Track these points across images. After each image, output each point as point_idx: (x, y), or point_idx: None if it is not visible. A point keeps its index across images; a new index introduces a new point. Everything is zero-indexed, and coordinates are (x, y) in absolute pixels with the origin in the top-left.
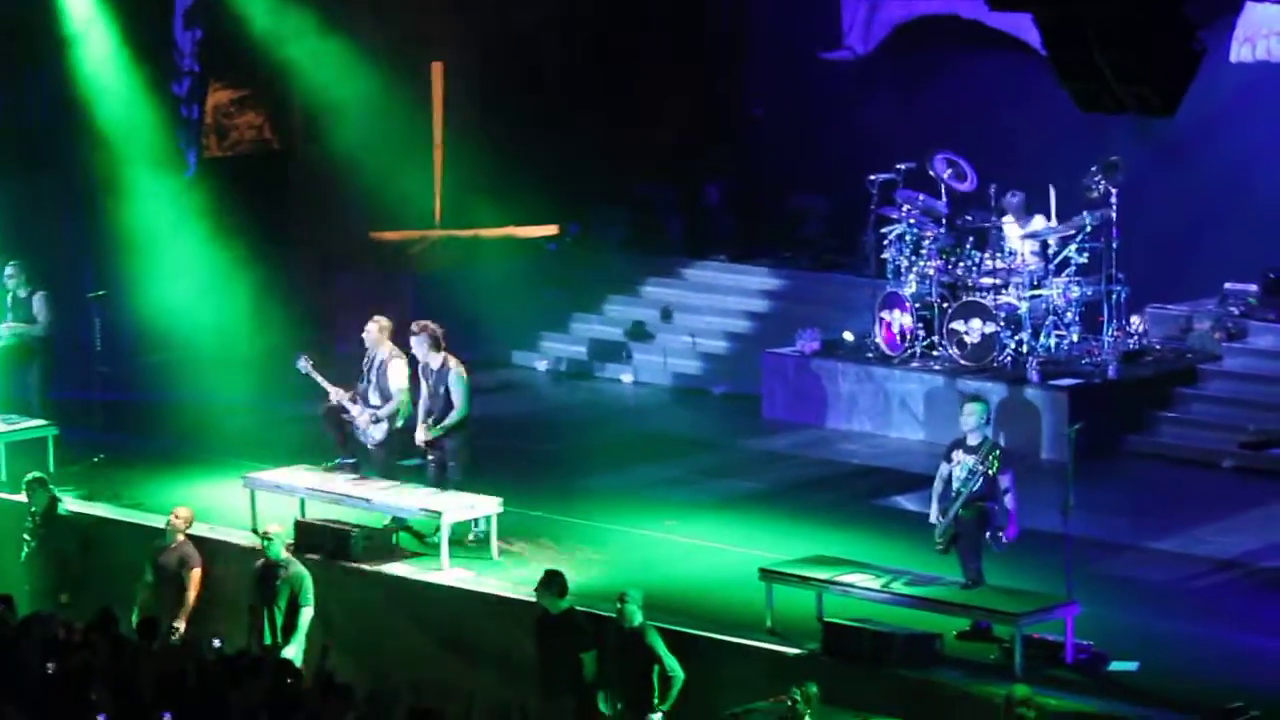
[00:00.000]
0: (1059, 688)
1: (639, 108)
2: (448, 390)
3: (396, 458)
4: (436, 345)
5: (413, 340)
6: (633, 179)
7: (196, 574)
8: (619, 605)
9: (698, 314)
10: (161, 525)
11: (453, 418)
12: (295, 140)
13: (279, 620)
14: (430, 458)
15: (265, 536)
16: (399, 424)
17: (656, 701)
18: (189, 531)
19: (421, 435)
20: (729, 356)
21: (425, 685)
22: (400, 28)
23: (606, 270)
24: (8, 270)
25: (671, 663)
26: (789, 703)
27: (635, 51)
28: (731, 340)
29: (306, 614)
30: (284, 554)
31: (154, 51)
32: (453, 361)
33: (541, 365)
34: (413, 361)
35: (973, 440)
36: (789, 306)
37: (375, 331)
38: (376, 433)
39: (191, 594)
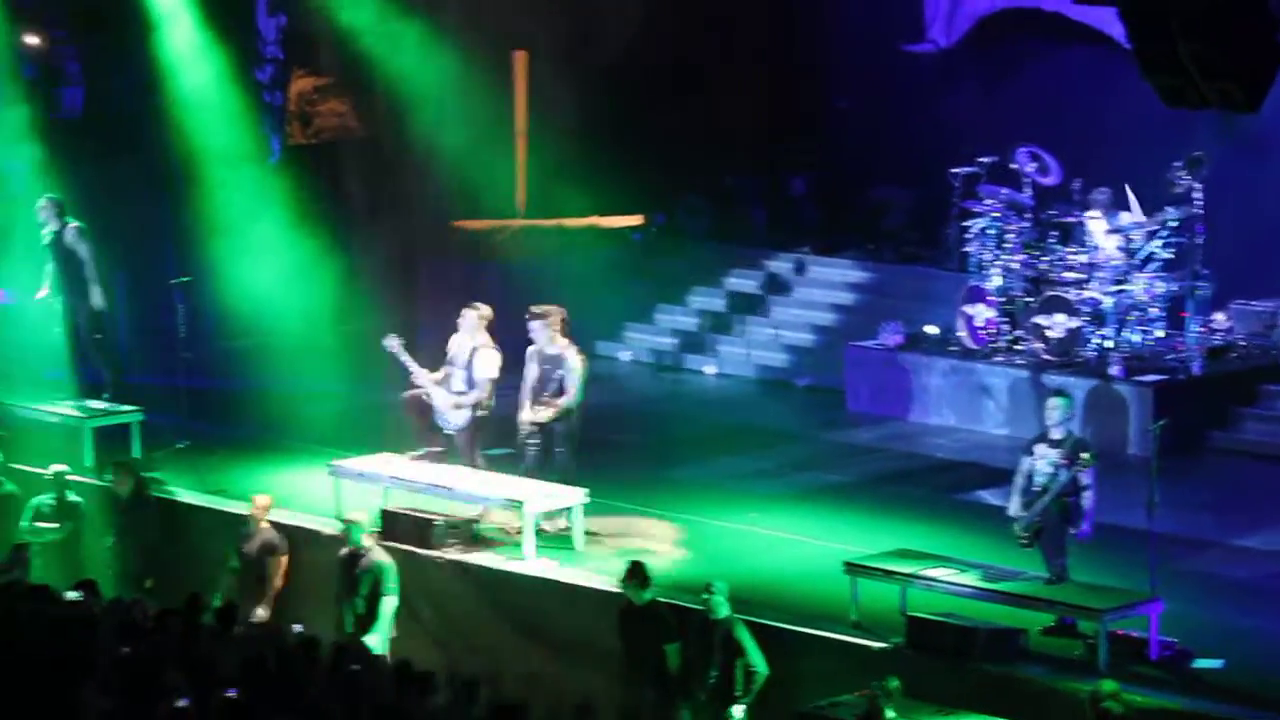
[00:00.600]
0: (1143, 684)
1: (723, 98)
2: (563, 376)
3: (482, 447)
4: (560, 331)
5: (535, 324)
6: (717, 169)
7: (281, 561)
8: (705, 596)
9: (781, 306)
10: (245, 512)
11: (566, 402)
12: (379, 128)
13: (360, 608)
14: (533, 441)
15: (349, 524)
16: (483, 413)
17: (739, 694)
18: (272, 519)
19: (535, 417)
20: (812, 349)
21: (507, 675)
22: (484, 16)
23: (690, 261)
24: (40, 204)
25: (757, 656)
26: (870, 697)
27: (719, 42)
28: (815, 333)
29: (389, 603)
30: (367, 542)
31: (238, 38)
32: (571, 348)
33: (625, 356)
34: (524, 344)
35: (1056, 435)
36: (872, 299)
37: (474, 318)
38: (457, 418)
39: (275, 582)
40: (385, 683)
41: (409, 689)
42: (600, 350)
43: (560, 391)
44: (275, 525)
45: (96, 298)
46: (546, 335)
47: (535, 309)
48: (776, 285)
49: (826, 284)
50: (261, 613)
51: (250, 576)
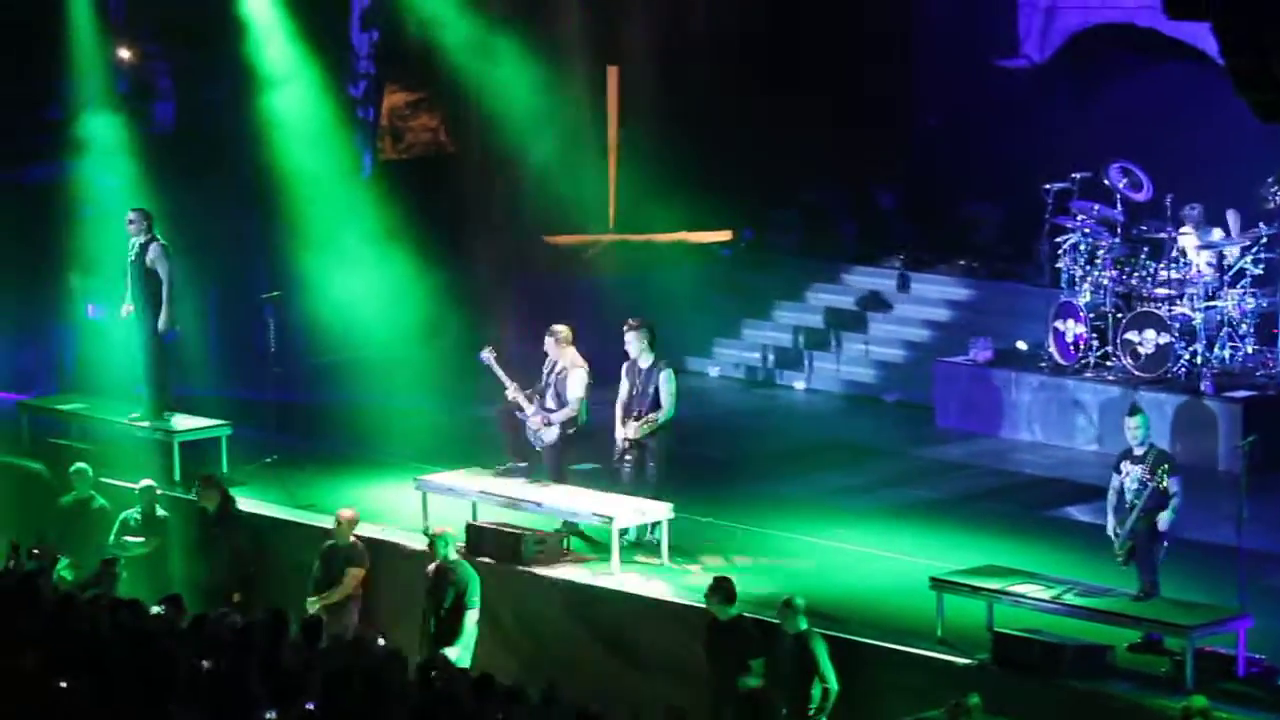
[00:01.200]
0: (1231, 701)
1: (812, 114)
2: (657, 390)
3: (570, 462)
4: (652, 343)
5: (628, 336)
6: (806, 184)
7: (358, 573)
8: (784, 611)
9: (872, 322)
10: (330, 526)
11: (661, 417)
12: (470, 143)
13: (444, 621)
14: (629, 457)
15: (435, 538)
16: (572, 430)
17: (813, 711)
18: (357, 533)
19: (629, 432)
20: (902, 364)
21: (593, 690)
22: (576, 32)
23: (779, 276)
24: (129, 216)
25: (828, 671)
26: (952, 713)
27: (807, 57)
28: (904, 348)
29: (472, 616)
30: (453, 555)
31: (331, 53)
32: (663, 363)
33: (714, 371)
34: (615, 359)
35: (1139, 451)
36: (962, 315)
37: (552, 344)
38: (548, 435)
39: (343, 590)
40: (466, 696)
41: (490, 702)
42: (690, 366)
43: (655, 406)
44: (360, 539)
45: (162, 319)
46: (638, 347)
47: (631, 321)
48: (869, 301)
49: (917, 299)
50: (320, 615)
51: (333, 587)
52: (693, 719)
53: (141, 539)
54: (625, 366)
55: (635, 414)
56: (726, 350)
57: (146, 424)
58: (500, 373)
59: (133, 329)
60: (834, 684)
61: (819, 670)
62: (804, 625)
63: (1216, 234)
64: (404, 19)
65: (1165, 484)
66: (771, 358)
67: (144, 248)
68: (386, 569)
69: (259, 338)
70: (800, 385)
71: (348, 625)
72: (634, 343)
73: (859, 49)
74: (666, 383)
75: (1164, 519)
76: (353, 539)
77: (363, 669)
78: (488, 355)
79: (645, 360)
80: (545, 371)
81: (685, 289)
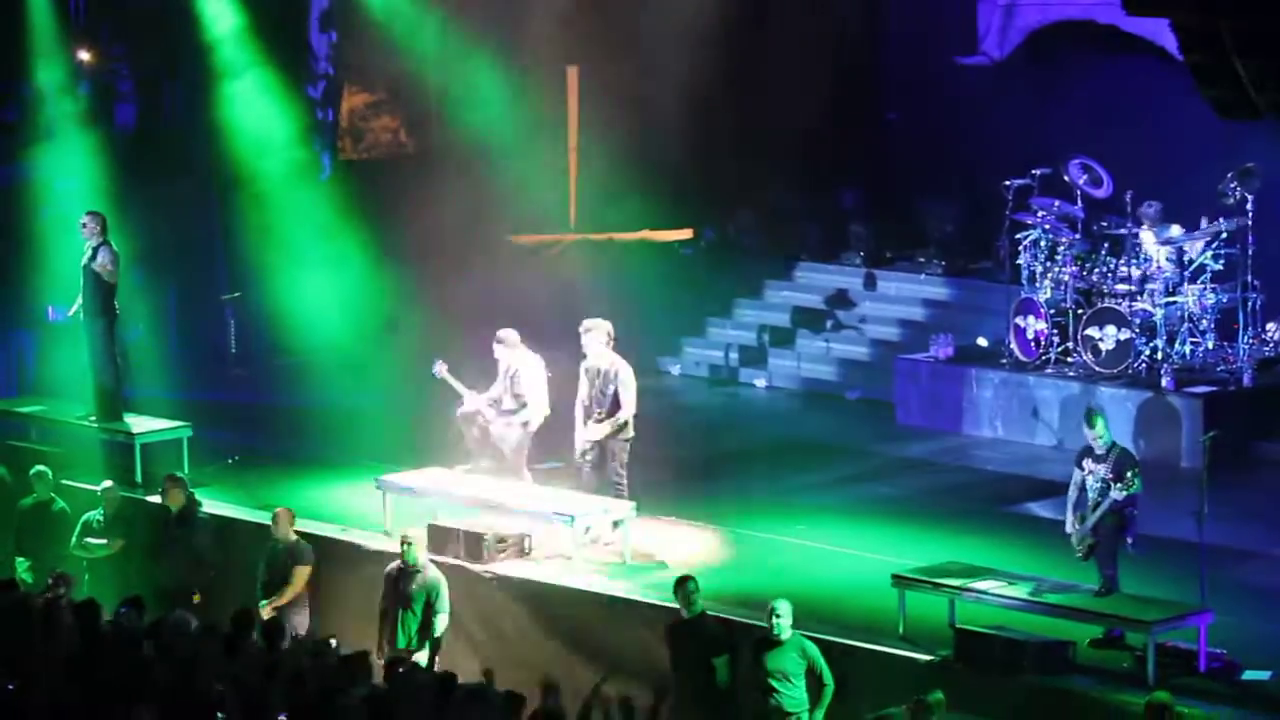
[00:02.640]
0: (1192, 696)
1: (773, 112)
2: (616, 390)
3: (532, 461)
4: (608, 344)
5: (585, 338)
6: (767, 183)
7: (305, 571)
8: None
9: (832, 319)
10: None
11: (621, 417)
12: (431, 144)
13: (413, 625)
14: (589, 458)
15: (405, 541)
16: (534, 428)
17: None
18: (313, 531)
19: (590, 434)
20: (863, 362)
21: (555, 689)
22: (536, 33)
23: (740, 275)
24: (83, 221)
25: (825, 670)
26: (914, 710)
27: (769, 57)
28: (865, 345)
29: (442, 620)
30: (422, 559)
31: (289, 55)
32: (621, 362)
33: (675, 370)
34: (577, 359)
35: (1099, 449)
36: (923, 312)
37: (502, 350)
38: (512, 437)
39: (293, 589)
40: (429, 696)
41: (454, 702)
42: (653, 365)
43: (615, 406)
44: (307, 536)
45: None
46: (597, 349)
47: (587, 323)
48: (831, 299)
49: (878, 297)
50: (266, 614)
51: (278, 588)
52: (658, 718)
53: (104, 541)
54: (583, 367)
55: (596, 416)
56: (690, 350)
57: (96, 425)
58: (455, 384)
59: (83, 333)
60: (831, 680)
61: (817, 668)
62: (790, 634)
63: (1174, 230)
64: (363, 21)
65: (1133, 490)
66: (734, 356)
67: (95, 251)
68: (347, 570)
69: (220, 338)
70: (761, 383)
71: (299, 624)
72: (591, 344)
73: (821, 48)
74: (625, 383)
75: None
76: (294, 536)
77: (320, 672)
78: (440, 369)
79: (603, 361)
80: (501, 375)
81: (647, 288)
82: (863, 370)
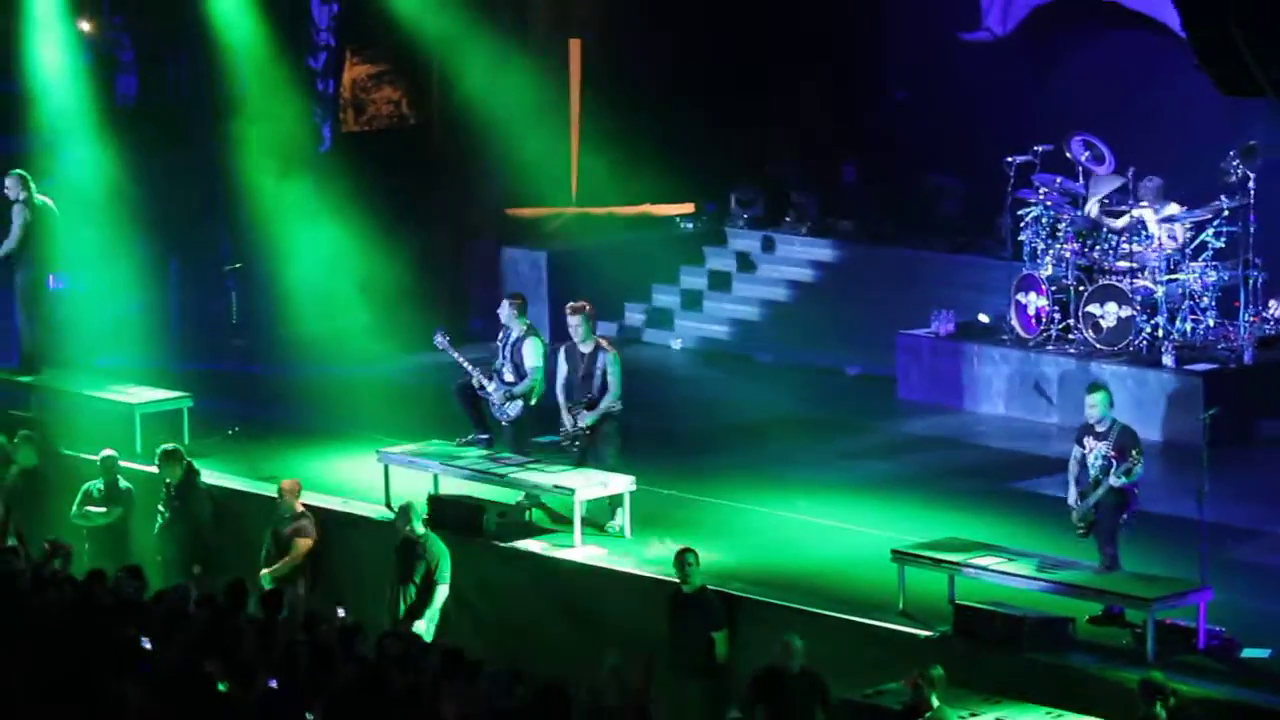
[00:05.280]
0: (1191, 674)
1: (776, 86)
2: (604, 372)
3: (531, 434)
4: (591, 327)
5: (571, 319)
6: (769, 157)
7: (306, 544)
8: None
9: (830, 295)
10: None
11: (609, 400)
12: (432, 116)
13: (413, 596)
14: (579, 442)
15: (405, 513)
16: (534, 401)
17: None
18: (315, 504)
19: (580, 420)
20: (863, 337)
21: (555, 662)
22: (538, 4)
23: (742, 248)
24: (6, 183)
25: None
26: (914, 685)
27: (774, 29)
28: (866, 321)
29: (442, 591)
30: (421, 529)
31: (290, 25)
32: (605, 343)
33: (676, 344)
34: (563, 338)
35: (1100, 427)
36: (924, 287)
37: (509, 309)
38: (511, 409)
39: (291, 559)
40: (430, 670)
41: (455, 676)
42: (650, 337)
43: (602, 388)
44: (312, 508)
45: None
46: (583, 331)
47: (572, 304)
48: (830, 273)
49: (879, 272)
50: (265, 583)
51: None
52: (656, 692)
53: (104, 509)
54: (564, 349)
55: (585, 399)
56: (688, 324)
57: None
58: (456, 355)
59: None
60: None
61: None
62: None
63: (1173, 208)
64: None
65: (1135, 471)
66: (735, 330)
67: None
68: (348, 541)
69: (221, 309)
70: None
71: (298, 596)
72: (578, 326)
73: (826, 21)
74: (612, 365)
75: (1120, 479)
76: (299, 507)
77: (315, 642)
78: (441, 340)
79: (587, 345)
80: (500, 344)
81: (647, 261)
82: (863, 346)
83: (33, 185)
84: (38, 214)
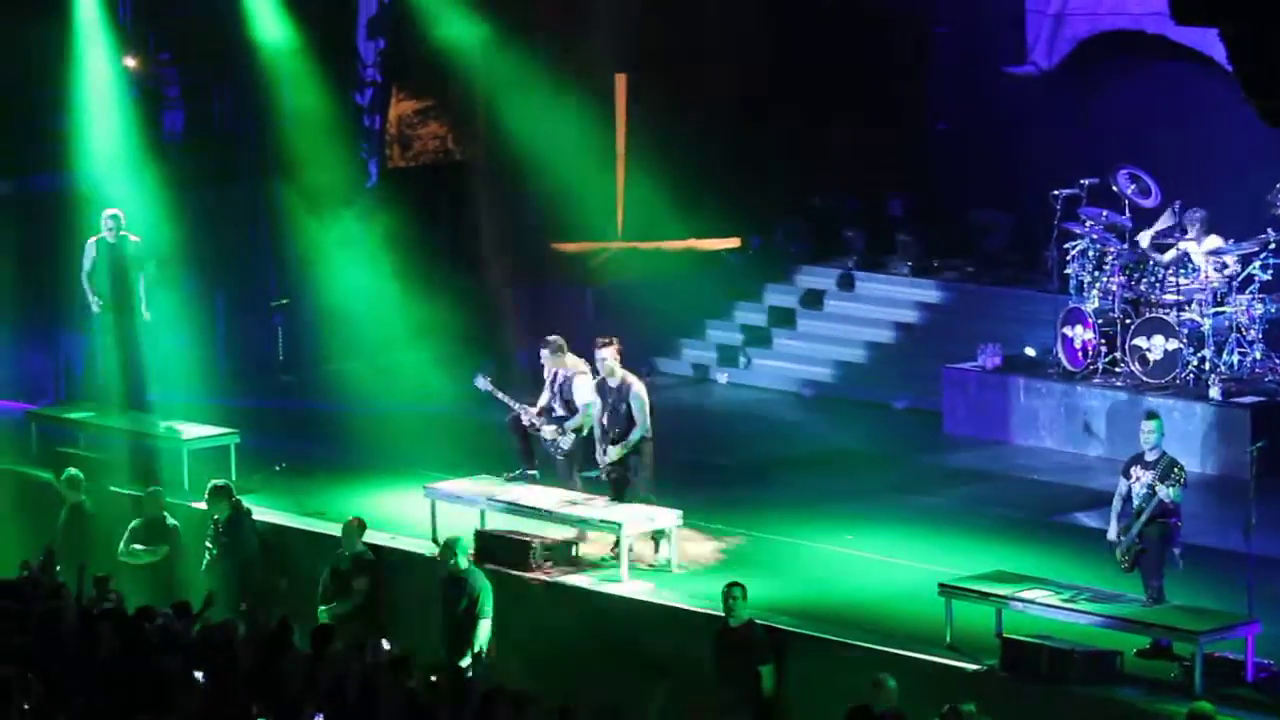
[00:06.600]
0: (1239, 707)
1: (821, 120)
2: (629, 407)
3: (579, 469)
4: (619, 363)
5: (601, 354)
6: (815, 191)
7: (365, 583)
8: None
9: (876, 328)
10: (338, 534)
11: (635, 436)
12: (478, 151)
13: (458, 632)
14: (612, 476)
15: (448, 545)
16: (584, 434)
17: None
18: (366, 540)
19: (610, 456)
20: (910, 371)
21: (603, 697)
22: (584, 41)
23: (790, 282)
24: (105, 221)
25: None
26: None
27: (818, 65)
28: (912, 355)
29: (484, 625)
30: (465, 563)
31: (336, 61)
32: (632, 379)
33: (723, 379)
34: (595, 373)
35: (1150, 456)
36: (971, 321)
37: (548, 355)
38: (564, 443)
39: (354, 599)
40: (474, 704)
41: (500, 712)
42: (701, 373)
43: (629, 423)
44: (370, 547)
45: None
46: (610, 366)
47: (601, 339)
48: (878, 307)
49: (926, 305)
50: (359, 633)
51: (344, 597)
52: None
53: (150, 547)
54: (596, 384)
55: (612, 436)
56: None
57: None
58: (502, 396)
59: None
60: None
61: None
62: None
63: (1216, 240)
64: (411, 27)
65: (1173, 494)
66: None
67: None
68: (396, 576)
69: (267, 345)
70: (809, 393)
71: (360, 635)
72: (607, 360)
73: (871, 56)
74: (637, 401)
75: (1169, 493)
76: (362, 546)
77: (359, 675)
78: (484, 383)
79: (614, 379)
80: (549, 382)
81: (695, 296)
82: (910, 379)
83: (124, 223)
84: (129, 253)
